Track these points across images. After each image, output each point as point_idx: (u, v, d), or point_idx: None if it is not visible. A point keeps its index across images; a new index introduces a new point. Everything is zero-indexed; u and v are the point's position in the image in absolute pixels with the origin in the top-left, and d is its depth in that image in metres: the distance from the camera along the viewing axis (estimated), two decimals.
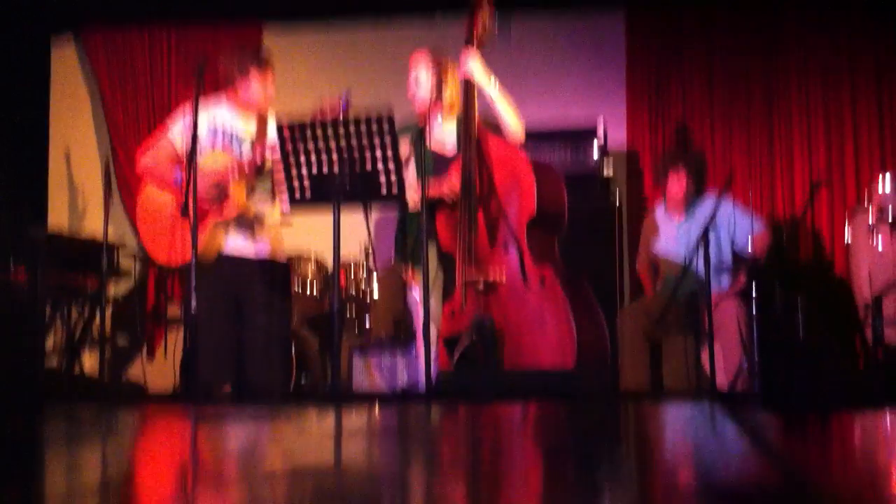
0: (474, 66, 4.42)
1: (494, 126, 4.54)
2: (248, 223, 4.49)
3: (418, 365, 4.53)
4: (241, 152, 4.49)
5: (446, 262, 4.55)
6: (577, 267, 4.50)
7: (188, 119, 4.45)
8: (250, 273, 4.49)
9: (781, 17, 6.24)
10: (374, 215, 5.87)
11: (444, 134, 4.61)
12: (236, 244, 4.49)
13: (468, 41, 4.47)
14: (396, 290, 4.97)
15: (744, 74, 6.25)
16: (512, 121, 4.49)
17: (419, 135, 4.53)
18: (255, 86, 4.54)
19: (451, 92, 4.56)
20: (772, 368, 4.20)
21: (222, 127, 4.53)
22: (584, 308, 4.35)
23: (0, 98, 7.01)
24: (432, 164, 4.52)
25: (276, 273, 4.60)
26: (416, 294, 4.52)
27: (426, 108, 4.50)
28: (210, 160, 4.44)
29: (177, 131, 4.53)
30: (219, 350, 4.43)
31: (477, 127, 4.44)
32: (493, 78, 4.46)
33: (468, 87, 4.45)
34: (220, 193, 4.39)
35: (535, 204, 4.34)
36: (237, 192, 4.41)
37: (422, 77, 4.56)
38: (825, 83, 6.13)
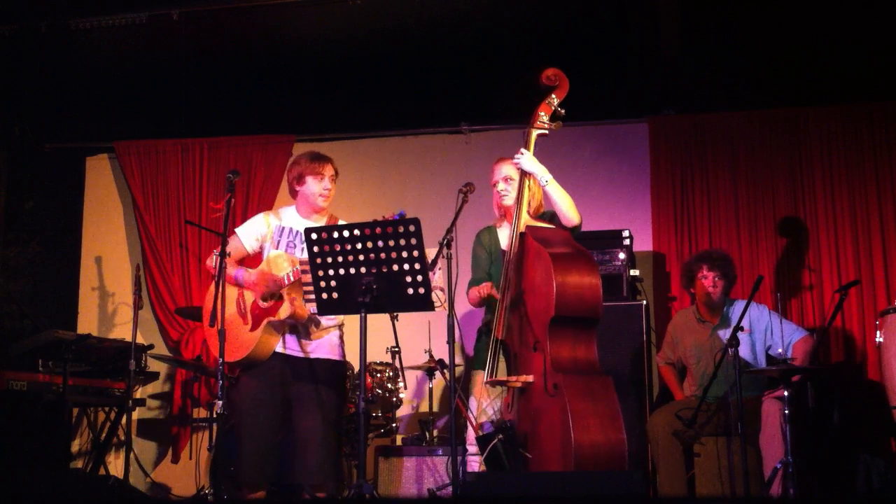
0: (527, 156, 4.47)
1: (550, 214, 4.57)
2: (304, 324, 4.50)
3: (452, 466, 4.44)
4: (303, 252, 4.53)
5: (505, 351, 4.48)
6: (606, 366, 4.41)
7: (259, 219, 4.62)
8: (303, 372, 4.47)
9: (803, 118, 6.27)
10: (403, 315, 5.87)
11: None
12: (291, 344, 4.50)
13: (531, 125, 4.50)
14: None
15: (768, 177, 6.26)
16: (565, 205, 4.48)
17: (492, 237, 4.67)
18: (312, 185, 4.60)
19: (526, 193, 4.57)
20: (808, 471, 4.09)
21: (289, 226, 4.61)
22: (599, 416, 4.13)
23: (35, 207, 7.20)
24: (501, 259, 4.55)
25: (330, 372, 4.54)
26: (475, 400, 4.47)
27: (510, 210, 4.55)
28: (273, 257, 4.50)
29: (245, 230, 4.63)
30: (261, 453, 4.37)
31: (525, 223, 4.46)
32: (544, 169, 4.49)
33: (521, 176, 4.51)
34: (274, 294, 4.43)
35: (554, 306, 4.18)
36: (294, 293, 4.45)
37: (506, 174, 4.61)
38: (850, 184, 6.13)
